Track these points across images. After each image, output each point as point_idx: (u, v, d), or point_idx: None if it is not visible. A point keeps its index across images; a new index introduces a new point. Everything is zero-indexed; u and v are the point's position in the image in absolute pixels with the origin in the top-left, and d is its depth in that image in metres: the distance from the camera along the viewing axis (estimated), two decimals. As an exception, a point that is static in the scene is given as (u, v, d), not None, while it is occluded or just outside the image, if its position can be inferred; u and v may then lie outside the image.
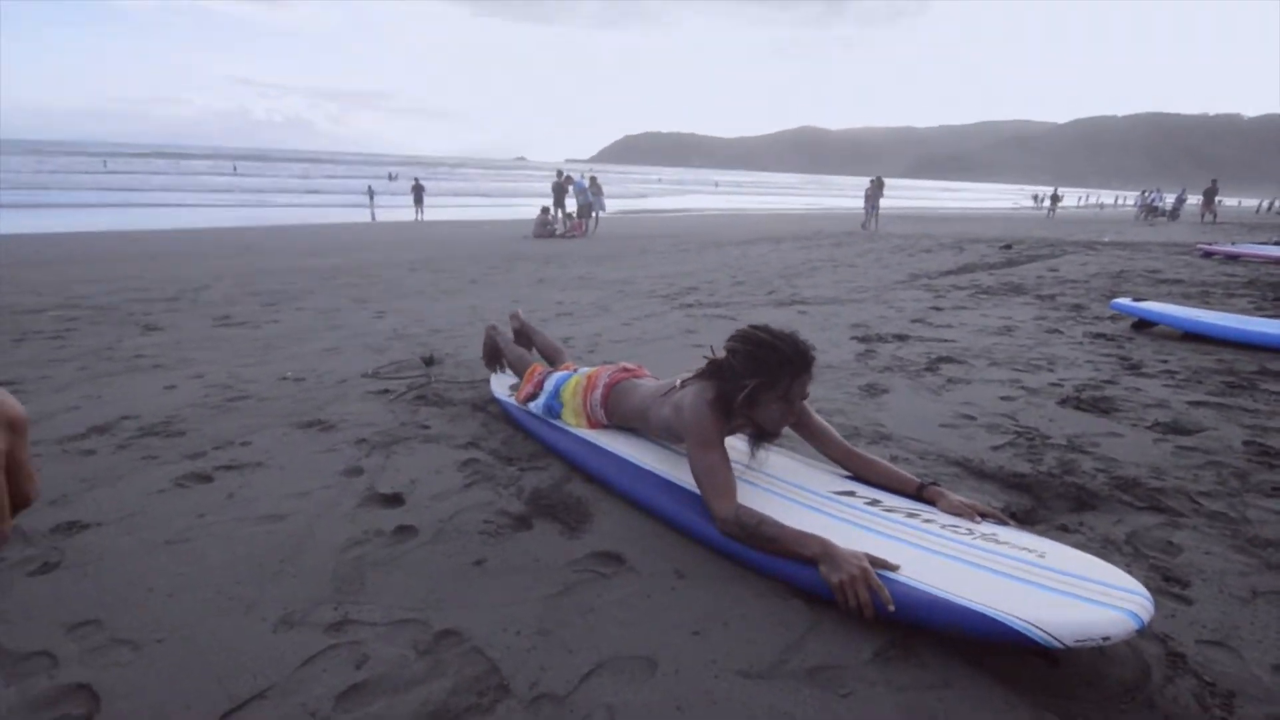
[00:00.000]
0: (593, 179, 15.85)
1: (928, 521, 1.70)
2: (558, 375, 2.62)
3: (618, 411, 2.37)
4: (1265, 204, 39.31)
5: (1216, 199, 23.72)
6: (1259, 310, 5.52)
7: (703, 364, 1.95)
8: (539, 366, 2.79)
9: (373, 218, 19.23)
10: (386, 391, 3.15)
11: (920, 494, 1.84)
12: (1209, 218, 22.89)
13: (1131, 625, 1.24)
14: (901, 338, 4.47)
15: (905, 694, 1.25)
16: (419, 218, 18.32)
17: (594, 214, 15.54)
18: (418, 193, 18.99)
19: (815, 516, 1.75)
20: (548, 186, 15.86)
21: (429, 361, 3.63)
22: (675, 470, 2.07)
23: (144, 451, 2.38)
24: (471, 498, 2.06)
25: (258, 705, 1.23)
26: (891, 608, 1.38)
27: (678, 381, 2.08)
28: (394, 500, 2.05)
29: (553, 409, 2.54)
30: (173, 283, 6.50)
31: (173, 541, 1.77)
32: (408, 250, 10.34)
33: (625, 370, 2.49)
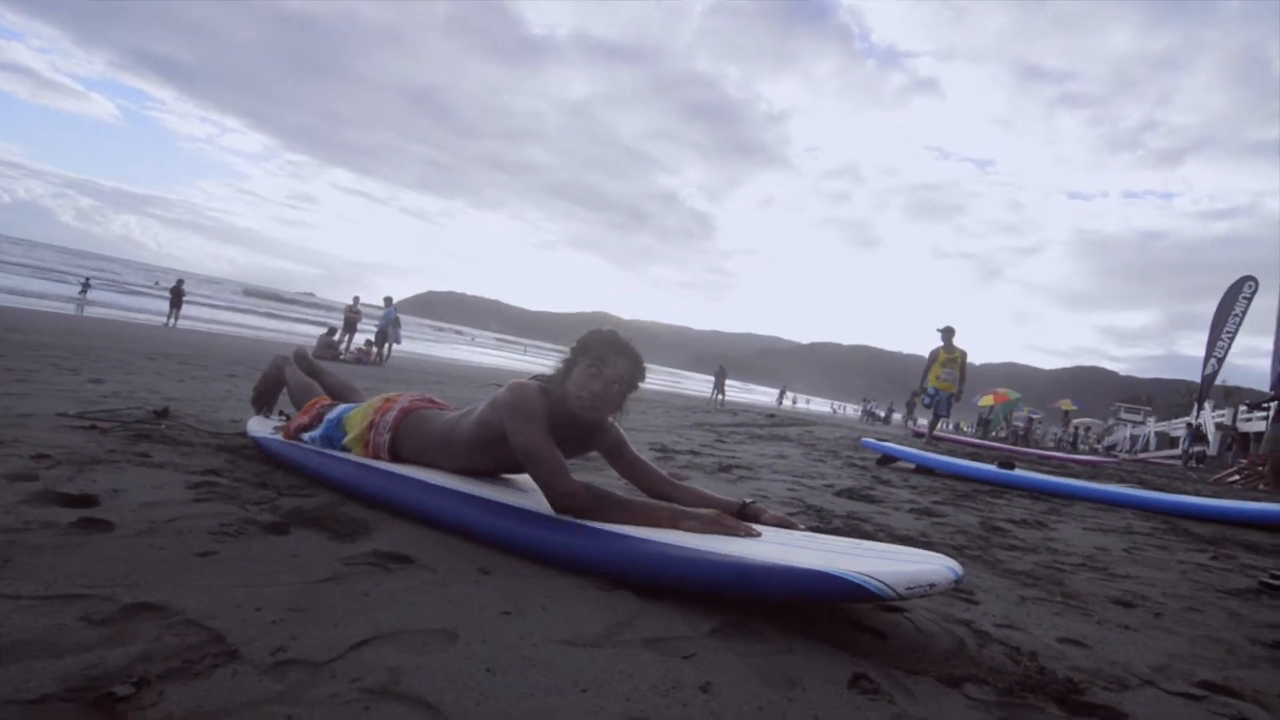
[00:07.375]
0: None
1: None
2: (343, 405, 2.24)
3: (411, 440, 2.02)
4: (954, 424, 50.64)
5: (915, 410, 30.08)
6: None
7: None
8: (323, 399, 2.36)
9: (80, 311, 16.29)
10: (94, 428, 2.41)
11: (743, 513, 1.79)
12: (910, 424, 28.53)
13: (951, 576, 1.26)
14: (694, 453, 4.65)
15: (750, 659, 1.09)
16: (171, 323, 15.83)
17: (388, 344, 14.80)
18: (177, 295, 16.55)
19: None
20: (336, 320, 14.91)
21: (162, 414, 2.88)
22: (478, 488, 1.80)
23: None
24: (203, 509, 1.55)
25: None
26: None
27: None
28: (82, 501, 1.48)
29: (333, 439, 2.12)
30: None
31: None
32: (147, 344, 8.73)
33: (431, 401, 2.20)
